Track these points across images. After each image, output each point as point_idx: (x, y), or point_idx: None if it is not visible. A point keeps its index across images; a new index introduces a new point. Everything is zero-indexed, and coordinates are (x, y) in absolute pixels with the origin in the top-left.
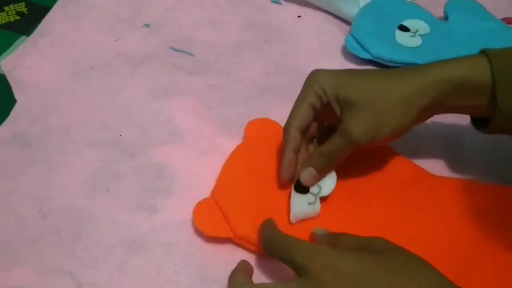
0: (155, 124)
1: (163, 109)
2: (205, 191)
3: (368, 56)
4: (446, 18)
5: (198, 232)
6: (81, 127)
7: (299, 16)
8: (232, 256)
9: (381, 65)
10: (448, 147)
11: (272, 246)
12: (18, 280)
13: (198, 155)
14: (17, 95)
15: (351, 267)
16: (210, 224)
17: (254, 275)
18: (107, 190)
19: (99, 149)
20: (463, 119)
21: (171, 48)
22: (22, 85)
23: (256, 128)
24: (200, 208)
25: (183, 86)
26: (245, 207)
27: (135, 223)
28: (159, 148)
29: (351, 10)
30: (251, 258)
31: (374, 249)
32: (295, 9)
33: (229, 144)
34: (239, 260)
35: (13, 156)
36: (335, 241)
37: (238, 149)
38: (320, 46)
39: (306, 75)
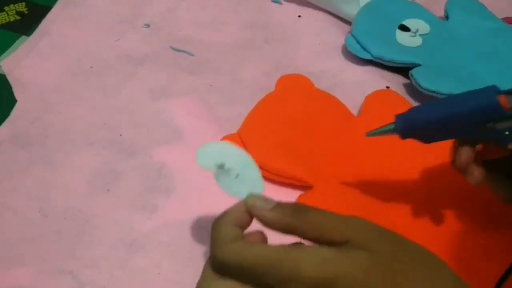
0: (155, 124)
1: (163, 109)
2: (205, 191)
3: (368, 56)
4: (446, 17)
5: (199, 232)
6: (81, 127)
7: (299, 16)
8: None
9: (381, 65)
10: None
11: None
12: (18, 280)
13: None
14: (17, 95)
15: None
16: None
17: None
18: (108, 190)
19: (99, 149)
20: None
21: (171, 48)
22: (22, 85)
23: (288, 81)
24: (225, 140)
25: (183, 86)
26: (267, 142)
27: (135, 223)
28: (159, 148)
29: (351, 10)
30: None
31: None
32: (295, 9)
33: None
34: None
35: (13, 156)
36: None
37: (268, 97)
38: (320, 46)
39: (306, 75)
